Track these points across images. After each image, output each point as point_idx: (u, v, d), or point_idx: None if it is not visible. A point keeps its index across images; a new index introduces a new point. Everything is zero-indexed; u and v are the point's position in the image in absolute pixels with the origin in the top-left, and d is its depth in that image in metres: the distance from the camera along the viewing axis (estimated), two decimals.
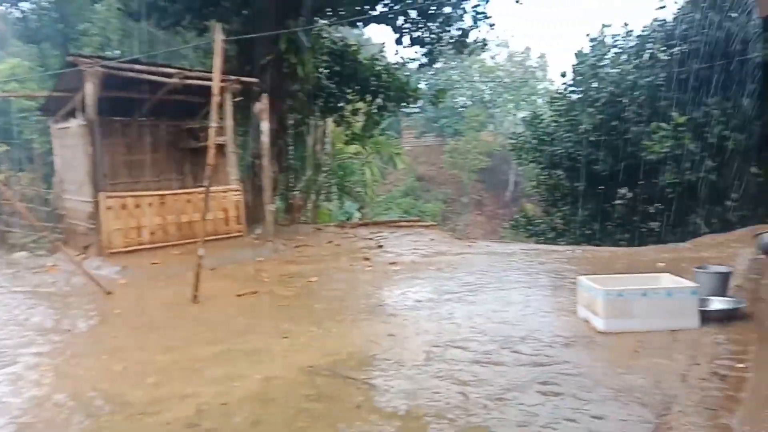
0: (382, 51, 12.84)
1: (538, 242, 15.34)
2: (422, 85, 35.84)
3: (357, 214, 18.69)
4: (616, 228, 13.36)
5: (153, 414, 3.22)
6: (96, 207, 7.94)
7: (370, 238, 9.25)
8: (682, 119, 11.17)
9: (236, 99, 9.55)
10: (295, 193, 12.76)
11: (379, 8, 10.53)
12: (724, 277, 4.94)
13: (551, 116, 14.68)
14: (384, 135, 21.46)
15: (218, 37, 6.27)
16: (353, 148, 18.31)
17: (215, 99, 6.27)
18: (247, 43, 10.14)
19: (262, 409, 3.26)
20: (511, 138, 16.20)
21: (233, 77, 9.23)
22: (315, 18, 10.61)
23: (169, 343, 4.52)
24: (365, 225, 10.25)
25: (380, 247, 8.42)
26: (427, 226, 9.93)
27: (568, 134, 13.54)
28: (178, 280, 6.43)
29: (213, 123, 6.24)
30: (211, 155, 6.04)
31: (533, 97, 37.28)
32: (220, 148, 8.52)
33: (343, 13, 10.48)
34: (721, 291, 4.89)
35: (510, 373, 3.61)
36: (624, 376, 3.51)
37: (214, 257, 7.48)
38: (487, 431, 2.87)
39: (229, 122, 9.33)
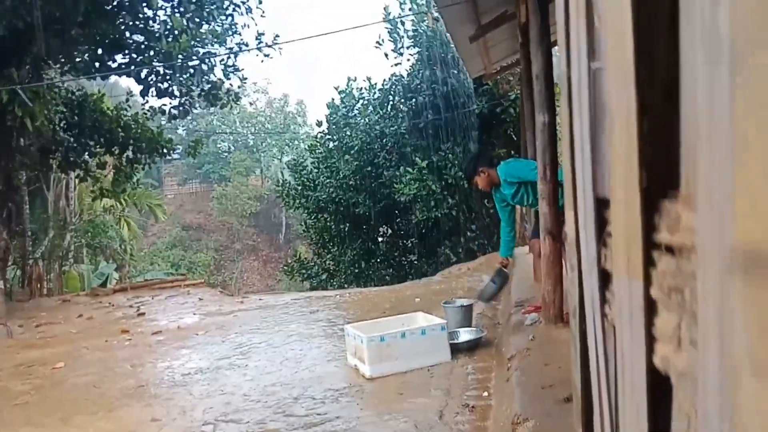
0: (128, 99, 12.01)
1: (312, 285, 15.69)
2: (180, 131, 34.49)
3: (115, 275, 16.98)
4: (381, 264, 14.35)
5: None
6: None
7: (130, 306, 8.44)
8: (424, 163, 12.53)
9: None
10: (33, 260, 11.08)
11: (119, 58, 9.83)
12: (468, 309, 5.58)
13: (312, 163, 15.27)
14: (140, 187, 19.99)
15: None
16: (105, 202, 16.70)
17: None
18: None
19: None
20: (276, 186, 16.42)
21: None
22: (43, 66, 9.52)
23: None
24: (123, 290, 9.32)
25: (141, 315, 7.73)
26: (194, 285, 9.42)
27: (329, 180, 14.20)
28: None
29: None
30: None
31: (296, 142, 38.43)
32: None
33: (79, 61, 9.53)
34: (467, 322, 5.52)
35: None
36: (389, 422, 3.71)
37: None
38: None
39: None
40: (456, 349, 4.94)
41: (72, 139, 10.34)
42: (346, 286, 14.61)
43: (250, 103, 40.29)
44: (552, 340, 3.77)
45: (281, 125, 40.16)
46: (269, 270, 38.06)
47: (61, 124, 10.31)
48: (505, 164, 4.93)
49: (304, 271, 15.66)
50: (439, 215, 12.94)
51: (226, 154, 40.15)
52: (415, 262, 13.90)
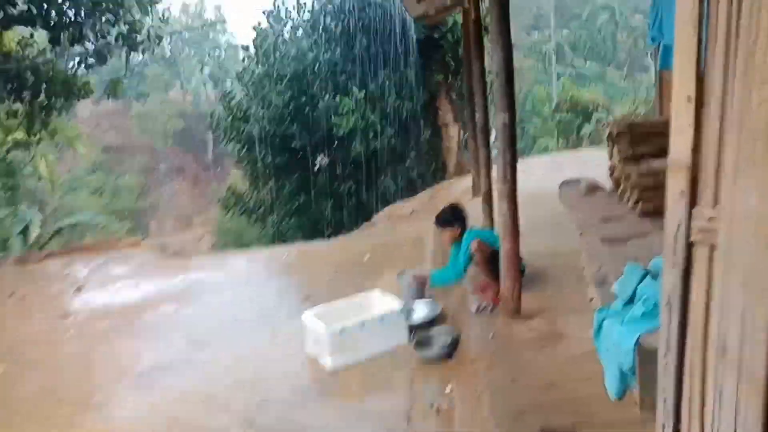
0: (33, 35, 10.74)
1: (250, 220, 15.44)
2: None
3: (37, 219, 15.96)
4: (321, 196, 14.18)
5: None
6: None
7: (66, 275, 8.03)
8: (361, 94, 12.13)
9: None
10: None
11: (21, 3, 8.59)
12: (422, 281, 5.64)
13: (242, 91, 14.50)
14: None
15: None
16: (14, 136, 15.39)
17: None
18: None
19: None
20: (208, 119, 15.61)
21: None
22: None
23: None
24: (53, 256, 8.82)
25: (80, 290, 7.38)
26: (131, 245, 9.02)
27: (262, 110, 13.58)
28: None
29: None
30: None
31: (218, 52, 36.18)
32: None
33: None
34: (421, 293, 5.59)
35: None
36: (360, 431, 3.80)
37: None
38: None
39: None
40: (413, 329, 5.03)
41: None
42: (286, 219, 14.46)
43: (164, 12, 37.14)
44: (513, 342, 3.90)
45: (199, 33, 37.50)
46: (200, 189, 37.04)
47: None
48: (477, 233, 4.91)
49: (241, 204, 15.34)
50: (379, 146, 12.77)
51: (141, 66, 37.32)
52: (355, 193, 13.82)
